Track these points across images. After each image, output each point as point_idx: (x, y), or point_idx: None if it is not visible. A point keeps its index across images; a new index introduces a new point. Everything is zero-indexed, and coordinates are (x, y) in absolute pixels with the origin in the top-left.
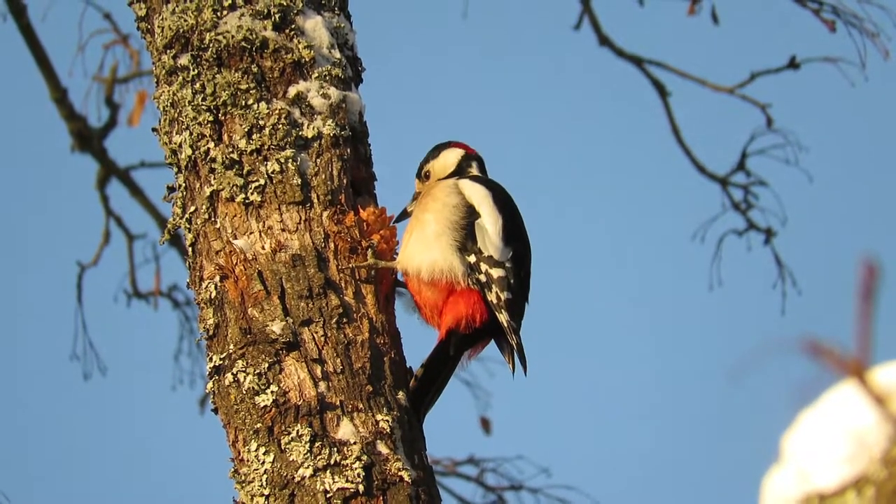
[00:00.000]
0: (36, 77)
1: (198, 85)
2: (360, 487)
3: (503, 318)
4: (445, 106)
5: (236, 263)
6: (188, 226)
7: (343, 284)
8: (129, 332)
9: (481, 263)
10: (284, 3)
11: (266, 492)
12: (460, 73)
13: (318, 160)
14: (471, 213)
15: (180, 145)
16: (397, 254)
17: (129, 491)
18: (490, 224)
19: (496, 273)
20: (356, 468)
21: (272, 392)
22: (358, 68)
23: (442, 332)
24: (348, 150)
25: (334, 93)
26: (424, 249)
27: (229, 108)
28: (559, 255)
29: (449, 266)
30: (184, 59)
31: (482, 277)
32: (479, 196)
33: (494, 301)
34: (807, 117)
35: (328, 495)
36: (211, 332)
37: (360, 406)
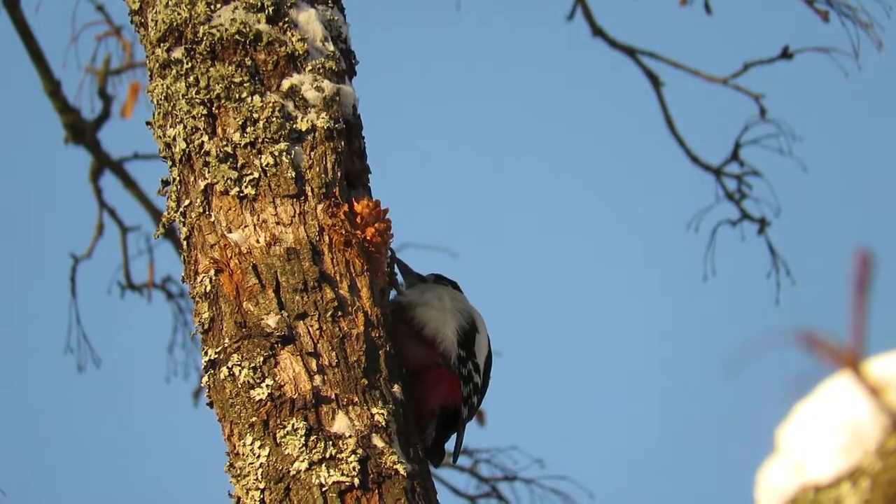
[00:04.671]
0: (29, 70)
1: (192, 78)
2: (356, 481)
3: (464, 411)
4: (438, 97)
5: (231, 257)
6: (182, 219)
7: (338, 278)
8: (122, 324)
9: (469, 361)
10: None
11: (261, 485)
12: (454, 64)
13: (313, 153)
14: (472, 326)
15: (174, 139)
16: (392, 249)
17: (123, 483)
18: (482, 346)
19: (475, 378)
20: (351, 462)
21: (267, 386)
22: (351, 61)
23: (435, 405)
24: (342, 143)
25: (328, 86)
26: (437, 312)
27: (223, 101)
28: (552, 245)
29: (451, 342)
30: (177, 53)
31: (465, 372)
32: (481, 321)
33: (465, 395)
34: (800, 107)
35: (324, 489)
36: (206, 326)
37: (356, 399)
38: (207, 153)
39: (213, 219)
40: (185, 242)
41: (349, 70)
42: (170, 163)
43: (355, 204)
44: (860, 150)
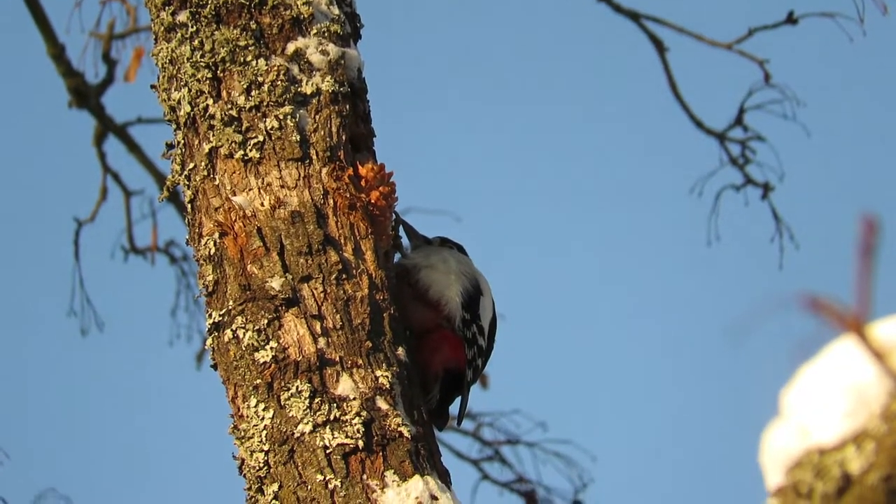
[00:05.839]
0: (33, 33)
1: (196, 41)
2: (360, 443)
3: (469, 373)
4: (441, 61)
5: (235, 220)
6: (187, 183)
7: (342, 241)
8: (126, 287)
9: (473, 324)
10: None
11: (265, 447)
12: (457, 27)
13: (317, 116)
14: (476, 289)
15: (179, 102)
16: (396, 212)
17: (126, 447)
18: (487, 309)
19: (479, 340)
20: (356, 424)
21: (271, 348)
22: (356, 24)
23: (439, 368)
24: (347, 107)
25: (333, 49)
26: (441, 275)
27: (228, 64)
28: (555, 209)
29: (455, 305)
30: (182, 16)
31: (469, 334)
32: (485, 284)
33: (469, 358)
34: (804, 72)
35: (328, 451)
36: (210, 289)
37: (360, 362)
38: (212, 116)
39: (217, 182)
40: (189, 205)
41: (354, 33)
42: (174, 126)
43: (360, 167)
44: (864, 115)
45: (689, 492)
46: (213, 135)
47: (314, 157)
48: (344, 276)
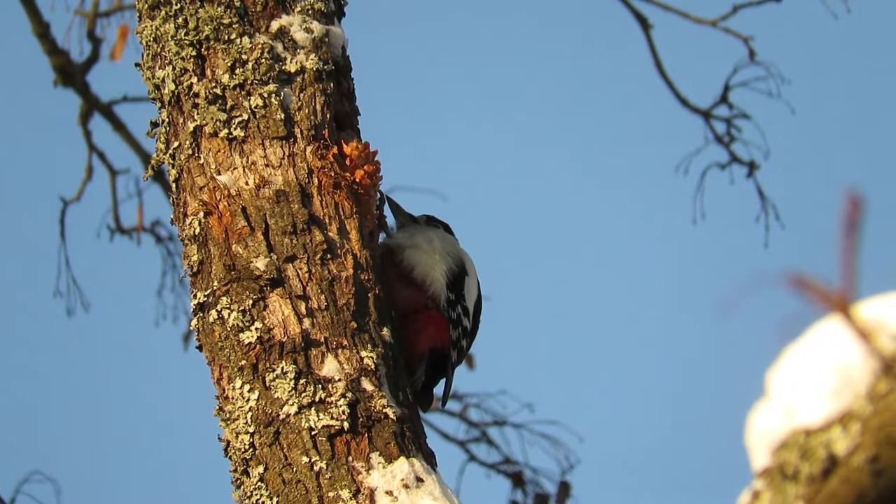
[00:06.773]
0: (18, 11)
1: (181, 19)
2: (345, 424)
3: (454, 354)
4: (426, 41)
5: (220, 199)
6: (172, 161)
7: (327, 220)
8: (112, 267)
9: (458, 304)
10: None
11: (251, 429)
12: (440, 8)
13: (302, 95)
14: (461, 269)
15: (163, 80)
16: (380, 191)
17: (111, 427)
18: (472, 290)
19: (464, 321)
20: (341, 405)
21: (256, 329)
22: (341, 2)
23: (424, 348)
24: (331, 85)
25: (317, 27)
26: (426, 255)
27: (212, 42)
28: (541, 190)
29: (440, 285)
30: None
31: (454, 315)
32: (471, 264)
33: (454, 339)
34: (789, 49)
35: (313, 433)
36: (195, 269)
37: (345, 343)
38: (196, 95)
39: (202, 161)
40: (174, 184)
41: (338, 11)
42: (159, 104)
43: (344, 146)
44: (849, 92)
45: (675, 473)
46: (198, 113)
47: (298, 135)
48: (329, 255)
